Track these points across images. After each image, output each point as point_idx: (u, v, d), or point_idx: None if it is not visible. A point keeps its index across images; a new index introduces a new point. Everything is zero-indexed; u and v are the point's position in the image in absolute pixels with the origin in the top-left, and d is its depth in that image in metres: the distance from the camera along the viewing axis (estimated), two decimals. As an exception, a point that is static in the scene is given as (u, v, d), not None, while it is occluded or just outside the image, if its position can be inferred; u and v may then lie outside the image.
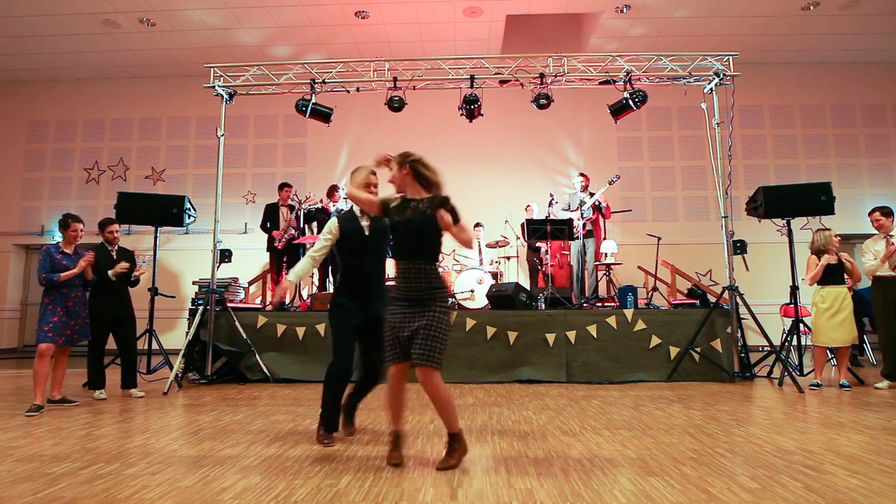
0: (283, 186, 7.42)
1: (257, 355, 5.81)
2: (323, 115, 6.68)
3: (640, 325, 5.80)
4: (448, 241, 9.94)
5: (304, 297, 7.37)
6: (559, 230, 6.63)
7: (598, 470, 2.72)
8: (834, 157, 10.14)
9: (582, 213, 7.48)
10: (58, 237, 4.82)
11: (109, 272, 4.95)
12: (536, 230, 6.66)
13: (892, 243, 5.23)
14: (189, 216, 6.16)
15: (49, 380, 4.51)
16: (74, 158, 10.51)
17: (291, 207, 7.33)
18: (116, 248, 5.15)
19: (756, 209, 6.16)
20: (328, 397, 3.30)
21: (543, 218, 7.35)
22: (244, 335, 5.83)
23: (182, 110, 10.50)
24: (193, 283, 6.53)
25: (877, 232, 5.44)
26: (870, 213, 5.49)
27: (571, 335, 5.74)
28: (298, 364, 5.86)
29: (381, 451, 3.07)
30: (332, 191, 7.76)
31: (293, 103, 6.67)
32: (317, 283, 7.57)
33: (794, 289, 5.97)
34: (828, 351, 5.59)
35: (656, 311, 6.02)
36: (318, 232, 7.57)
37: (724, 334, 5.71)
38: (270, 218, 7.24)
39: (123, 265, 5.04)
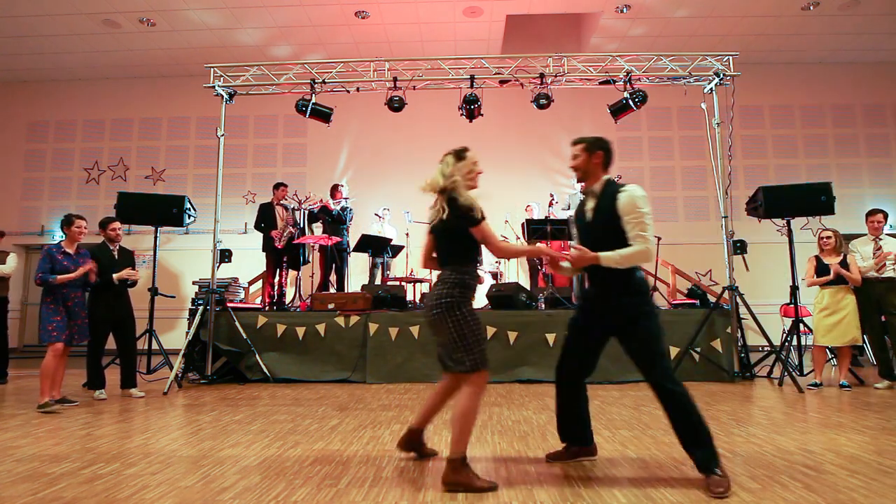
0: (279, 186, 7.39)
1: (257, 355, 5.81)
2: (323, 115, 6.69)
3: (641, 325, 5.78)
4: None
5: (304, 297, 7.36)
6: (559, 230, 6.62)
7: (598, 470, 2.72)
8: (834, 157, 10.14)
9: (582, 213, 7.48)
10: (58, 237, 4.82)
11: (114, 276, 4.96)
12: (537, 230, 6.66)
13: (881, 247, 5.26)
14: (189, 216, 6.15)
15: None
16: (74, 158, 10.51)
17: (286, 207, 7.31)
18: (118, 247, 5.16)
19: (756, 209, 6.16)
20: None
21: (543, 218, 7.34)
22: (244, 335, 5.84)
23: (182, 110, 10.50)
24: (193, 283, 6.52)
25: (867, 233, 5.46)
26: (872, 214, 5.46)
27: (572, 335, 5.73)
28: (298, 364, 5.86)
29: (381, 451, 3.08)
30: (334, 189, 7.77)
31: (293, 103, 6.67)
32: (317, 282, 7.57)
33: (794, 289, 5.97)
34: (827, 351, 5.59)
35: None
36: (323, 231, 7.58)
37: (724, 334, 5.71)
38: (265, 217, 7.21)
39: (130, 273, 5.06)
